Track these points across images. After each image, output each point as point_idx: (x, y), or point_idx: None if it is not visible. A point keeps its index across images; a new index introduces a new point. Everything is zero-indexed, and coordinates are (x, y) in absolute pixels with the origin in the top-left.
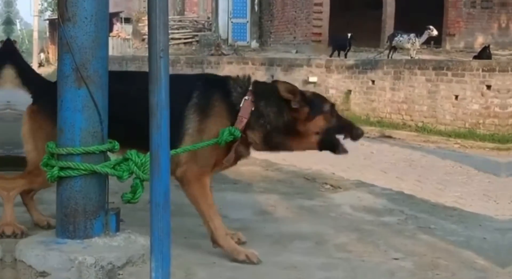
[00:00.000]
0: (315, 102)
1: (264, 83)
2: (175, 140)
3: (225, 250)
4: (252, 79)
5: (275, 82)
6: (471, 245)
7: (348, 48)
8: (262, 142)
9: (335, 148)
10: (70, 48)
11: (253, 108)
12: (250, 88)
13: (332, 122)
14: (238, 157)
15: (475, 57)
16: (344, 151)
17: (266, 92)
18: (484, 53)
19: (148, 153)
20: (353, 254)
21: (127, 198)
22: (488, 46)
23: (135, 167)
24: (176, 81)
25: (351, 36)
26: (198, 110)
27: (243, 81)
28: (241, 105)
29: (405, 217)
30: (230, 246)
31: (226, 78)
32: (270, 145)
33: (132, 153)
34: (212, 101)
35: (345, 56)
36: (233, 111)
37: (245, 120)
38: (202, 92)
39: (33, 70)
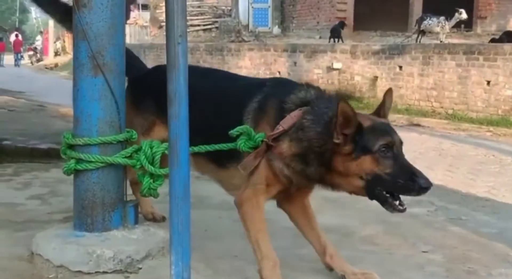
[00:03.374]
0: (366, 138)
1: (329, 96)
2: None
3: None
4: (326, 91)
5: (339, 99)
6: (505, 237)
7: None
8: (294, 161)
9: (384, 201)
10: (86, 35)
11: (298, 120)
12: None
13: (385, 168)
14: (279, 178)
15: (492, 41)
16: (396, 209)
17: (323, 107)
18: (506, 37)
19: (162, 143)
20: (380, 246)
21: (141, 191)
22: None
23: (144, 158)
24: (244, 83)
25: (340, 22)
26: (254, 117)
27: (307, 91)
28: (290, 114)
29: (435, 208)
30: None
31: (292, 85)
32: (305, 171)
33: (145, 143)
34: (266, 107)
35: (341, 39)
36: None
37: (281, 129)
38: (263, 97)
39: None
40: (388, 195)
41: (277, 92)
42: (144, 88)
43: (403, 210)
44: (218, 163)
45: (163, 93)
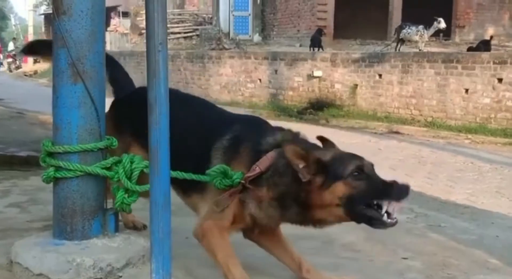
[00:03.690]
0: (333, 166)
1: (306, 142)
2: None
3: None
4: (302, 135)
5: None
6: (483, 243)
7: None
8: (272, 206)
9: (371, 219)
10: (66, 43)
11: (273, 163)
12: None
13: (358, 187)
14: (250, 218)
15: (470, 49)
16: (387, 224)
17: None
18: (483, 46)
19: (142, 159)
20: (361, 253)
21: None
22: (491, 38)
23: (123, 172)
24: (216, 117)
25: (318, 30)
26: (223, 155)
27: (281, 132)
28: (266, 154)
29: (415, 215)
30: None
31: (266, 126)
32: (285, 215)
33: (127, 157)
34: (240, 147)
35: (322, 48)
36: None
37: (258, 171)
38: (235, 136)
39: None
40: (373, 212)
41: (251, 133)
42: (123, 111)
43: (395, 223)
44: (182, 190)
45: (140, 118)
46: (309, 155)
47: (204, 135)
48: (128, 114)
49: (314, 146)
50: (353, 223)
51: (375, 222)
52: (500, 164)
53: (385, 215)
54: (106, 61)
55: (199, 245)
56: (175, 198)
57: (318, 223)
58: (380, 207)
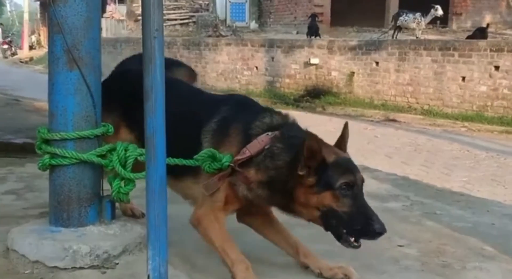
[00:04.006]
0: (329, 174)
1: (299, 128)
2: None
3: None
4: (292, 119)
5: (307, 133)
6: (479, 231)
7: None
8: (260, 188)
9: (339, 237)
10: (61, 29)
11: (267, 147)
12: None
13: (343, 206)
14: (240, 199)
15: (468, 37)
16: (351, 246)
17: (293, 137)
18: (479, 33)
19: (136, 147)
20: None
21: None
22: (487, 26)
23: (117, 160)
24: (204, 100)
25: (312, 15)
26: (213, 138)
27: (272, 115)
28: (257, 138)
29: (410, 203)
30: None
31: (256, 108)
32: (270, 198)
33: (121, 145)
34: (230, 129)
35: (319, 36)
36: (247, 144)
37: (247, 154)
38: (224, 118)
39: None
40: (344, 231)
41: (240, 114)
42: (110, 91)
43: (358, 246)
44: (174, 174)
45: (128, 98)
46: (320, 154)
47: (193, 118)
48: (117, 94)
49: (322, 140)
50: None
51: (342, 240)
52: (496, 152)
53: (353, 238)
54: None
55: (195, 232)
56: None
57: (295, 214)
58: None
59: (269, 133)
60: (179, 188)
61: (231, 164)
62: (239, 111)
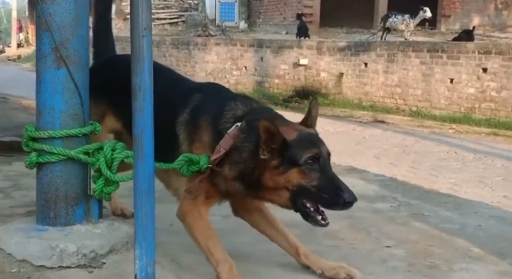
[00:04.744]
0: (293, 151)
1: (261, 109)
2: (171, 154)
3: None
4: (261, 104)
5: (264, 116)
6: (466, 232)
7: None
8: (236, 183)
9: (307, 215)
10: (49, 27)
11: (234, 145)
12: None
13: (311, 180)
14: (220, 192)
15: (454, 39)
16: (319, 224)
17: (254, 123)
18: (465, 35)
19: (125, 149)
20: (344, 241)
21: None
22: (473, 28)
23: (103, 160)
24: (179, 89)
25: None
26: (186, 131)
27: (244, 104)
28: (228, 132)
29: (398, 204)
30: None
31: (226, 97)
32: (248, 190)
33: (108, 144)
34: (201, 123)
35: (308, 37)
36: (219, 139)
37: (223, 152)
38: (195, 108)
39: None
40: (311, 209)
41: (210, 105)
42: (97, 79)
43: (326, 224)
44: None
45: (115, 85)
46: (278, 133)
47: (168, 109)
48: (103, 82)
49: (282, 120)
50: (336, 212)
51: (310, 219)
52: (483, 154)
53: (320, 216)
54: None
55: (183, 232)
56: (159, 184)
57: (270, 201)
58: (322, 212)
59: (238, 124)
60: (162, 177)
61: (209, 165)
62: (210, 101)
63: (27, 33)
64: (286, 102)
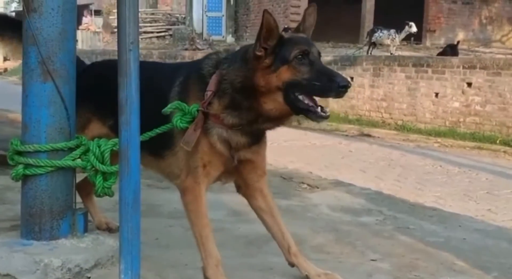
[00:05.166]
0: (284, 49)
1: (238, 49)
2: (167, 137)
3: None
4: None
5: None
6: (451, 246)
7: None
8: (229, 114)
9: (307, 110)
10: (36, 41)
11: (220, 77)
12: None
13: (302, 74)
14: (229, 146)
15: (439, 54)
16: (319, 116)
17: (237, 52)
18: (450, 50)
19: (109, 140)
20: (330, 255)
21: (95, 191)
22: (458, 43)
23: (94, 158)
24: (166, 71)
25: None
26: (179, 98)
27: (217, 54)
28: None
29: (384, 217)
30: None
31: (204, 56)
32: (242, 116)
33: (93, 143)
34: (189, 84)
35: None
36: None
37: (210, 92)
38: (182, 79)
39: None
40: (309, 104)
41: (192, 68)
42: (80, 86)
43: (327, 116)
44: (154, 153)
45: (98, 91)
46: (276, 29)
47: (159, 94)
48: (85, 89)
49: None
50: (322, 224)
51: (311, 113)
52: (468, 167)
53: (319, 108)
54: None
55: (169, 246)
56: (145, 198)
57: (266, 115)
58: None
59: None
60: (159, 167)
61: (200, 109)
62: (192, 66)
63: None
64: None
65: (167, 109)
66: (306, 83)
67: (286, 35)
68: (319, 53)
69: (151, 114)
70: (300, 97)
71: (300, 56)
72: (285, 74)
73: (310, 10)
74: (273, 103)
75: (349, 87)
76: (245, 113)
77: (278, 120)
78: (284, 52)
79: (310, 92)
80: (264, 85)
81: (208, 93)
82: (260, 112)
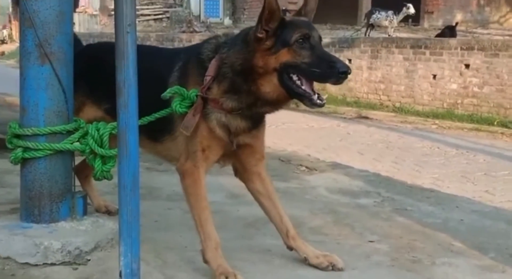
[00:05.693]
0: (285, 32)
1: (237, 33)
2: (167, 122)
3: (209, 266)
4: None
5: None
6: (448, 227)
7: None
8: (228, 98)
9: (302, 96)
10: (33, 23)
11: (220, 62)
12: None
13: (303, 58)
14: (228, 130)
15: (438, 36)
16: (315, 103)
17: (237, 36)
18: (448, 31)
19: (108, 124)
20: (329, 237)
21: (94, 174)
22: (456, 24)
23: (93, 142)
24: (164, 57)
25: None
26: (179, 83)
27: (217, 38)
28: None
29: (382, 199)
30: (216, 262)
31: (203, 41)
32: (241, 100)
33: (91, 126)
34: (188, 69)
35: None
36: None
37: (209, 78)
38: (182, 64)
39: None
40: (306, 90)
41: (192, 53)
42: (74, 69)
43: (322, 104)
44: (153, 137)
45: (94, 73)
46: (278, 11)
47: (159, 78)
48: (79, 72)
49: None
50: (320, 206)
51: (306, 100)
52: (466, 149)
53: (316, 95)
54: None
55: (168, 228)
56: (144, 181)
57: (262, 94)
58: (318, 93)
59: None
60: (159, 151)
61: (199, 94)
62: (191, 51)
63: (11, 29)
64: None
65: (166, 94)
66: (306, 68)
67: (287, 18)
68: (320, 38)
69: (151, 99)
70: (298, 81)
71: (301, 40)
72: (284, 56)
73: None
74: (270, 86)
75: (349, 73)
76: (244, 97)
77: (276, 103)
78: (286, 35)
79: (309, 77)
80: (262, 66)
81: (207, 78)
82: (259, 96)
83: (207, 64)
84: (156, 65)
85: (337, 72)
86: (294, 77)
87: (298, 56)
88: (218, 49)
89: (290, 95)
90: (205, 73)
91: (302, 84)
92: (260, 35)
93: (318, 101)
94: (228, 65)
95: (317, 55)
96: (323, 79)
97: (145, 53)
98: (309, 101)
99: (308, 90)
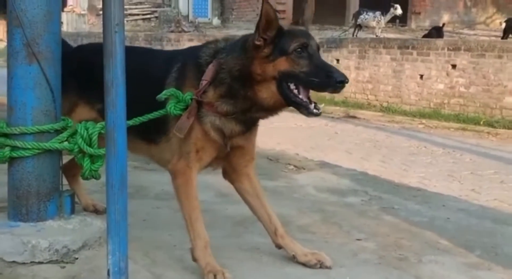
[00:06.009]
0: (283, 41)
1: (237, 39)
2: (162, 123)
3: (198, 264)
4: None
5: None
6: (435, 225)
7: None
8: (223, 103)
9: (299, 105)
10: (21, 22)
11: (217, 67)
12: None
13: (301, 67)
14: (222, 134)
15: (425, 36)
16: (311, 112)
17: (236, 42)
18: (435, 32)
19: (97, 123)
20: (316, 235)
21: (82, 174)
22: (443, 25)
23: (82, 141)
24: (162, 58)
25: None
26: (175, 85)
27: (216, 42)
28: (208, 67)
29: (369, 198)
30: (205, 261)
31: (203, 44)
32: (236, 104)
33: (80, 126)
34: (185, 72)
35: None
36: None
37: (205, 82)
38: (180, 66)
39: None
40: (303, 99)
41: (190, 56)
42: (65, 70)
43: (319, 113)
44: (147, 139)
45: (85, 74)
46: (276, 19)
47: (156, 80)
48: (71, 73)
49: None
50: (308, 205)
51: (303, 108)
52: (452, 148)
53: (313, 104)
54: None
55: (156, 227)
56: (132, 180)
57: (260, 104)
58: (314, 102)
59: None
60: (153, 154)
61: (193, 97)
62: (190, 54)
63: None
64: None
65: (161, 96)
66: (304, 77)
67: (285, 27)
68: (318, 47)
69: (149, 99)
70: (295, 90)
71: (299, 49)
72: (282, 65)
73: (309, 2)
74: (267, 92)
75: (347, 82)
76: (240, 102)
77: (271, 110)
78: (284, 43)
79: (307, 86)
80: (260, 73)
81: (203, 82)
82: (255, 101)
83: (205, 68)
84: (154, 66)
85: (334, 82)
86: (292, 86)
87: (296, 65)
88: (217, 54)
89: (287, 103)
90: (202, 77)
91: (299, 93)
92: (258, 43)
93: (315, 110)
94: (226, 71)
95: (315, 65)
96: (321, 88)
97: (142, 53)
98: (306, 110)
99: (305, 99)
